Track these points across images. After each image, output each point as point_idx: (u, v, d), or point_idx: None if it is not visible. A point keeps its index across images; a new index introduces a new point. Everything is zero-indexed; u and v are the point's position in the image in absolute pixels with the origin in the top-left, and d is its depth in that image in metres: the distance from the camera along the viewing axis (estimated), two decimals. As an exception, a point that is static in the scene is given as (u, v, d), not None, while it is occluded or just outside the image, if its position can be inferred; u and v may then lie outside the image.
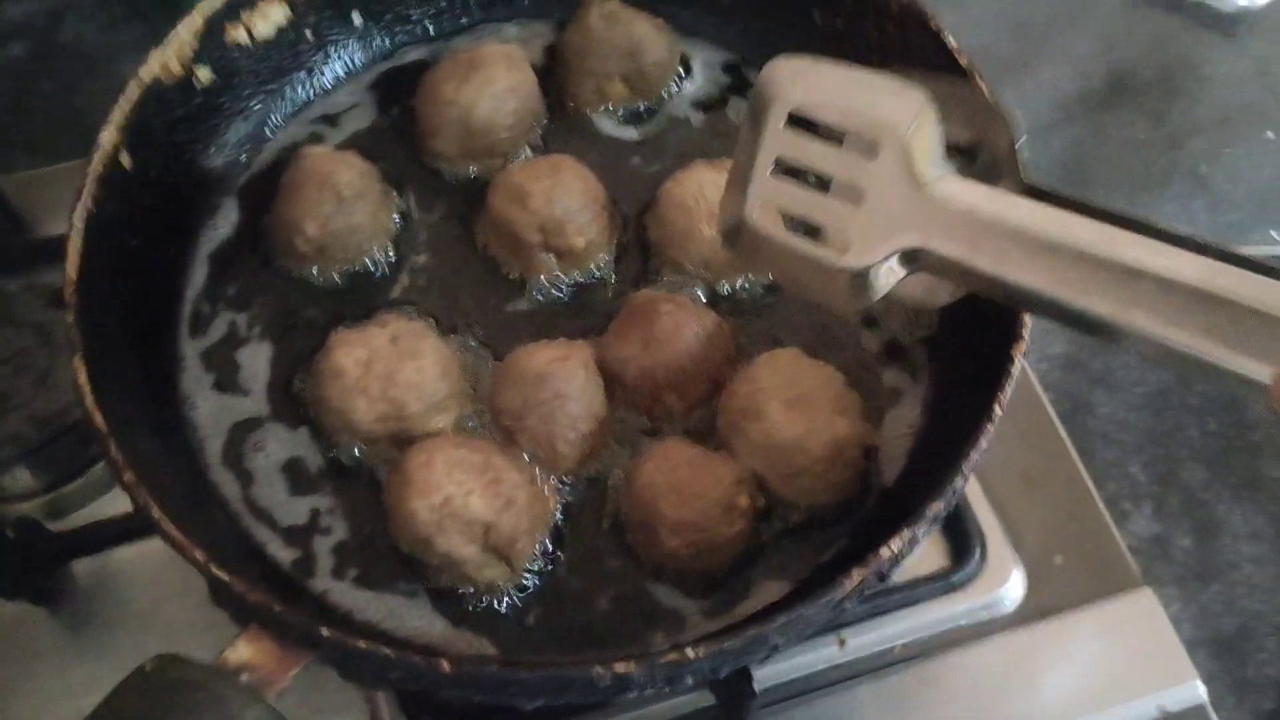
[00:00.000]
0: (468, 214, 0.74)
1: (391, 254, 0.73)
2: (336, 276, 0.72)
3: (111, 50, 1.00)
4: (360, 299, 0.72)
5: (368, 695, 0.70)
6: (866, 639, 0.73)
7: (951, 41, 0.71)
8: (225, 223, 0.74)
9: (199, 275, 0.72)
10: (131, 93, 0.68)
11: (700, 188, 0.70)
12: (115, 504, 0.76)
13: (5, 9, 1.02)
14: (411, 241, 0.74)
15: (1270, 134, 0.98)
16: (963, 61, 0.70)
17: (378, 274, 0.73)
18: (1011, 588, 0.75)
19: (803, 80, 0.53)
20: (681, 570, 0.62)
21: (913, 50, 0.73)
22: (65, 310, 0.60)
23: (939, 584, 0.74)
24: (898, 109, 0.50)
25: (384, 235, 0.73)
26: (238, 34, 0.74)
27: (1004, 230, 0.48)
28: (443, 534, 0.59)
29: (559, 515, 0.64)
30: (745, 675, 0.63)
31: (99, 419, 0.57)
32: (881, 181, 0.50)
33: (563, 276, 0.72)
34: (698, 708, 0.70)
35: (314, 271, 0.72)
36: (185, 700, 0.48)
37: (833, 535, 0.64)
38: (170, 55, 0.70)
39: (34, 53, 1.01)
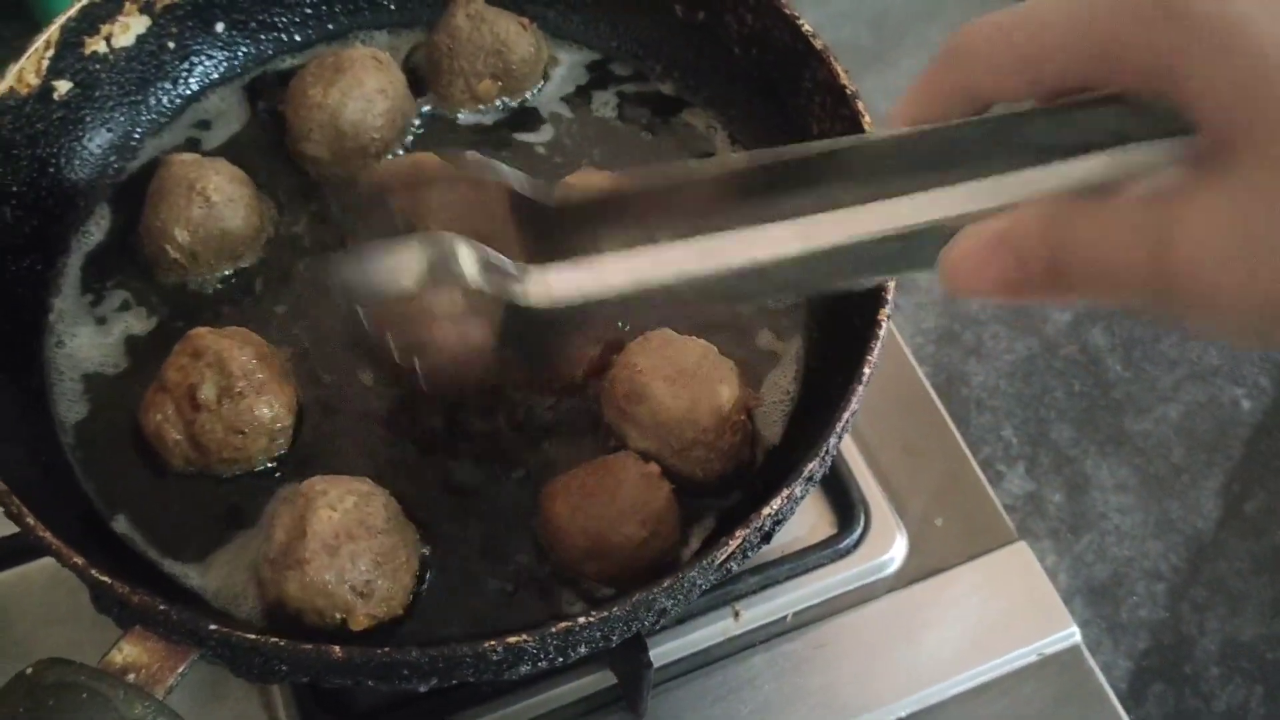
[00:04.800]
0: (340, 216, 0.75)
1: (264, 258, 0.73)
2: (211, 284, 0.72)
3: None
4: (231, 309, 0.71)
5: (265, 702, 0.70)
6: (759, 610, 0.75)
7: (807, 27, 0.73)
8: (98, 232, 0.73)
9: (71, 286, 0.71)
10: (-14, 108, 0.67)
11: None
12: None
13: None
14: (284, 246, 0.74)
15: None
16: (818, 45, 0.72)
17: (250, 282, 0.72)
18: (895, 551, 0.77)
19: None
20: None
21: (772, 38, 0.76)
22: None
23: (826, 552, 0.76)
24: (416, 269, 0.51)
25: (257, 240, 0.73)
26: (97, 45, 0.73)
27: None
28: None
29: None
30: (640, 647, 0.64)
31: (-34, 432, 0.56)
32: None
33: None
34: (601, 688, 0.71)
35: (187, 279, 0.72)
36: (69, 701, 0.47)
37: (725, 504, 0.65)
38: (26, 68, 0.69)
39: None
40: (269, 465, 0.66)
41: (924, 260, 0.40)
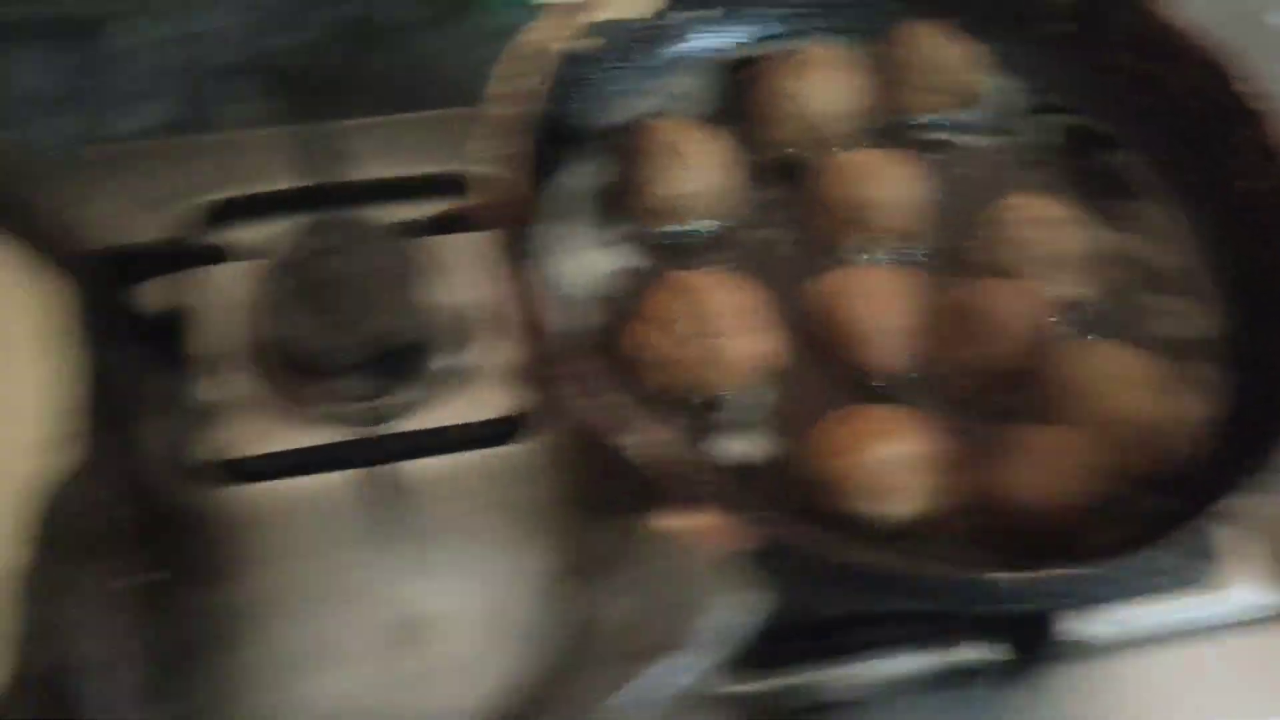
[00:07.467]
0: (793, 196, 0.83)
1: (730, 224, 0.82)
2: (669, 234, 0.81)
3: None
4: (685, 258, 0.80)
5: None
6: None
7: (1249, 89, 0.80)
8: (580, 173, 0.83)
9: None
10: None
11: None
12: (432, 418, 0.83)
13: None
14: (749, 216, 0.83)
15: None
16: (1259, 106, 0.79)
17: (718, 244, 0.82)
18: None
19: None
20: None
21: (1211, 93, 0.82)
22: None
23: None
24: None
25: (726, 205, 0.82)
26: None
27: None
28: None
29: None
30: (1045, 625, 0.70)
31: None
32: None
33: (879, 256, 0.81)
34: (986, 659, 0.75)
35: (649, 228, 0.81)
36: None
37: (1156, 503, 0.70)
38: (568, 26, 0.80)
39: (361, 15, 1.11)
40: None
41: None
